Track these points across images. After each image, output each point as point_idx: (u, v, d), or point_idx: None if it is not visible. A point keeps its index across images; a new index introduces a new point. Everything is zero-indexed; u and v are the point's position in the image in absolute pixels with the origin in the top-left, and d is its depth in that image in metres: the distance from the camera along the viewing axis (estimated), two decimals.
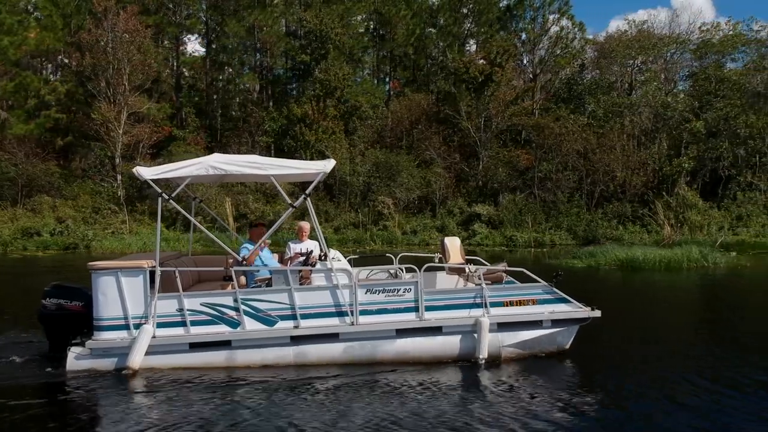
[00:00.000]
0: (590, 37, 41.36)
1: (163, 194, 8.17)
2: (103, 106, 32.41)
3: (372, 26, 43.98)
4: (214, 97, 41.14)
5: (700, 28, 42.71)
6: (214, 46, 41.81)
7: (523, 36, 40.83)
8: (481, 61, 35.75)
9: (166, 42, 42.17)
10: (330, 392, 7.09)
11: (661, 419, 6.19)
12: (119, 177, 33.65)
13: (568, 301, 8.32)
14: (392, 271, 9.43)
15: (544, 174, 35.09)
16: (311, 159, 33.92)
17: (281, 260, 9.25)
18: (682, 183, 33.03)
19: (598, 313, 8.27)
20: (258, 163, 8.50)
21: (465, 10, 42.49)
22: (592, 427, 6.01)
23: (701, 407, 6.53)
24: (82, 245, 27.38)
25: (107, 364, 7.80)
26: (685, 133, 34.03)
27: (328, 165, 8.45)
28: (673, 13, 57.35)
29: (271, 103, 40.31)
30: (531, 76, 40.80)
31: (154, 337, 7.80)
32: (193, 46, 45.00)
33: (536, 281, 8.39)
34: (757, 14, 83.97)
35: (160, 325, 7.87)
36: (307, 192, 8.29)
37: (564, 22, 40.04)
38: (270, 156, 36.28)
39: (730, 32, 41.08)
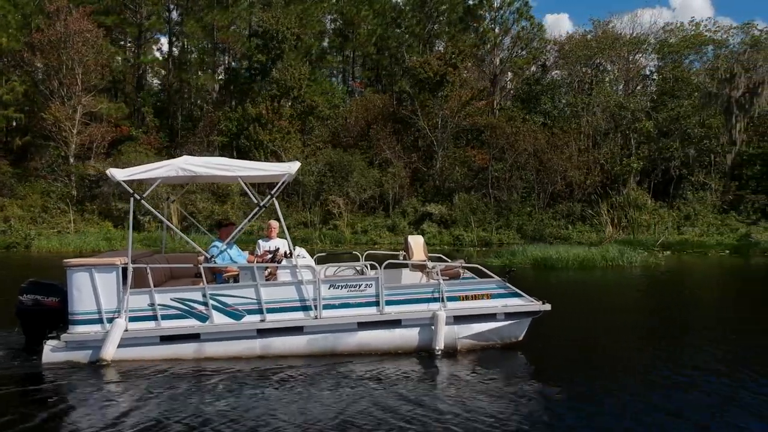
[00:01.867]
0: (551, 37, 41.40)
1: (135, 195, 8.50)
2: (53, 106, 32.51)
3: (335, 26, 44.07)
4: (177, 96, 41.18)
5: (663, 28, 43.03)
6: (180, 45, 41.99)
7: (484, 37, 40.85)
8: (437, 61, 35.79)
9: (129, 42, 42.37)
10: (295, 382, 7.40)
11: (609, 406, 6.47)
12: (73, 176, 33.72)
13: (521, 296, 8.75)
14: (358, 268, 9.77)
15: (500, 174, 35.24)
16: (265, 159, 34.15)
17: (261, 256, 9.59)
18: (632, 183, 33.15)
19: (548, 307, 8.71)
20: (226, 165, 8.91)
21: (428, 10, 42.63)
22: (541, 413, 6.30)
23: (644, 393, 6.89)
24: (22, 245, 27.45)
25: (81, 356, 8.13)
26: (635, 133, 34.15)
27: (293, 167, 8.82)
28: (633, 14, 57.39)
29: (233, 103, 40.41)
30: (492, 76, 40.86)
31: (126, 330, 8.16)
32: (164, 46, 44.90)
33: (491, 277, 8.85)
34: (757, 14, 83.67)
35: (132, 319, 8.24)
36: (273, 192, 8.67)
37: (524, 23, 40.21)
38: (227, 155, 36.46)
39: (692, 32, 41.34)
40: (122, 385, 7.37)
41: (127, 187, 8.50)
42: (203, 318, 8.35)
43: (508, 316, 8.74)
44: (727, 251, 26.00)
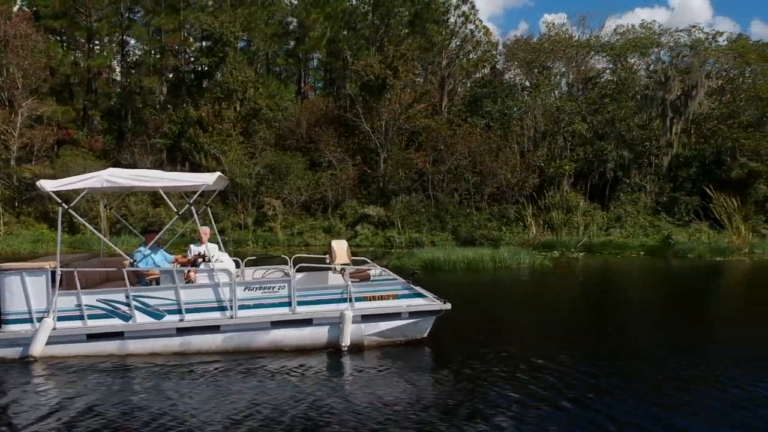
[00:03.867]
0: (497, 40, 41.74)
1: (63, 205, 9.42)
2: None
3: (289, 29, 44.38)
4: (128, 99, 41.47)
5: (615, 30, 43.39)
6: (131, 48, 42.35)
7: (431, 41, 41.13)
8: (379, 64, 36.06)
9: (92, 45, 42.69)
10: (211, 377, 8.06)
11: (510, 397, 7.06)
12: (14, 179, 34.00)
13: (424, 296, 9.54)
14: (286, 271, 10.49)
15: (442, 176, 35.56)
16: (205, 160, 34.51)
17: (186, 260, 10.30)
18: (565, 185, 33.45)
19: (449, 306, 9.50)
20: (146, 176, 9.84)
21: (380, 13, 42.96)
22: (442, 406, 6.84)
23: (530, 380, 7.64)
24: None
25: (12, 353, 8.91)
26: (569, 135, 34.49)
27: (211, 178, 9.68)
28: (581, 16, 58.09)
29: (185, 105, 40.68)
30: (440, 79, 41.13)
31: (54, 329, 8.92)
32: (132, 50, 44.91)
33: (396, 279, 9.69)
34: (755, 14, 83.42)
35: (60, 319, 9.00)
36: (191, 202, 9.69)
37: (470, 26, 40.51)
38: (173, 157, 36.83)
39: (642, 35, 41.64)
40: (49, 380, 8.05)
41: (56, 198, 9.34)
42: (126, 317, 9.08)
43: (412, 314, 9.48)
44: (642, 252, 26.32)
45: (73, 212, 9.69)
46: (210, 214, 10.99)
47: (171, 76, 39.90)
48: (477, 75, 42.08)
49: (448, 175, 35.10)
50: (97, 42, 42.81)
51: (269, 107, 37.64)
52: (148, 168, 35.42)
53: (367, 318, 9.37)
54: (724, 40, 39.80)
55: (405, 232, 31.88)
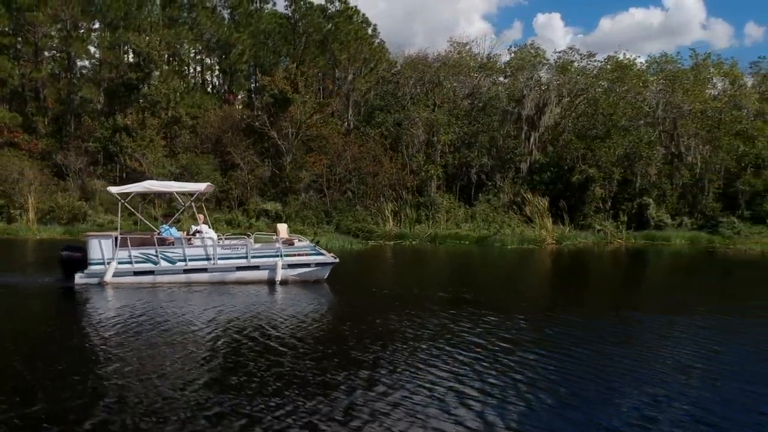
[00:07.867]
0: (395, 59, 47.53)
1: (122, 201, 17.27)
2: None
3: (215, 44, 50.03)
4: (70, 107, 46.99)
5: (509, 49, 49.30)
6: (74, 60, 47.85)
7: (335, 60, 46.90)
8: (283, 80, 41.81)
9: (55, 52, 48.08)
10: (202, 295, 15.11)
11: (368, 322, 12.19)
12: None
13: (323, 254, 17.21)
14: (251, 241, 17.58)
15: (336, 178, 41.42)
16: (129, 161, 40.20)
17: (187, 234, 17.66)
18: (433, 187, 39.39)
19: (338, 260, 17.31)
20: (168, 185, 19.65)
21: (297, 32, 48.76)
22: (329, 311, 13.80)
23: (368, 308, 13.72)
24: None
25: (94, 280, 16.00)
26: (441, 144, 40.49)
27: (201, 186, 17.98)
28: (484, 35, 64.12)
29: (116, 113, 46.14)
30: (346, 92, 46.96)
31: (116, 268, 16.00)
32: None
33: (308, 245, 17.50)
34: (750, 16, 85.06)
35: (120, 262, 16.10)
36: (191, 200, 18.16)
37: (371, 45, 46.26)
38: (103, 158, 42.42)
39: (533, 54, 47.51)
40: (114, 295, 15.06)
41: (118, 197, 17.11)
42: (155, 263, 16.27)
43: (317, 265, 17.02)
44: (467, 242, 32.32)
45: (127, 205, 17.46)
46: (204, 207, 19.22)
47: (107, 86, 45.39)
48: (382, 88, 47.85)
49: (341, 178, 40.99)
50: (46, 53, 48.26)
51: (190, 115, 43.36)
52: (82, 166, 41.27)
53: (290, 266, 16.64)
54: (598, 60, 45.87)
55: (293, 225, 37.71)
